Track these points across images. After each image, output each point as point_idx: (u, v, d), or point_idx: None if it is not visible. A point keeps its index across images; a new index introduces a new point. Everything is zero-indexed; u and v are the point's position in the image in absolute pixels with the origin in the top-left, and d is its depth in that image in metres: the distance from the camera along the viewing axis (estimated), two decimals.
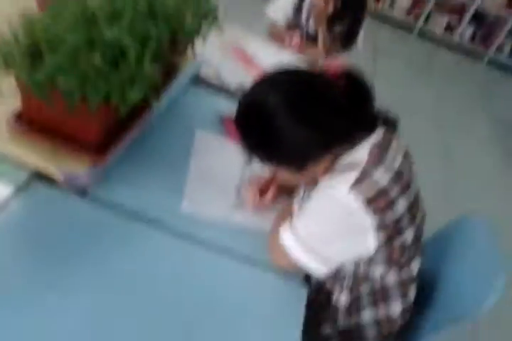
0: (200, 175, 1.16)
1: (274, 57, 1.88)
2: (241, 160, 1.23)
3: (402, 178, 0.94)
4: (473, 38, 4.61)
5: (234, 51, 1.74)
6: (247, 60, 1.73)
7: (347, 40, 2.09)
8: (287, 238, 0.97)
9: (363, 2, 2.07)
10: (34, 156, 0.96)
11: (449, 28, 4.59)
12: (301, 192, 1.08)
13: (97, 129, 0.94)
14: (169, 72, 1.15)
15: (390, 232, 0.95)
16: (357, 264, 1.03)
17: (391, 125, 0.99)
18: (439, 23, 4.60)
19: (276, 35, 2.12)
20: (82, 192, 1.00)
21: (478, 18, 4.49)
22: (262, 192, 1.14)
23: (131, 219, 1.00)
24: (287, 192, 1.19)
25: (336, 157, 0.95)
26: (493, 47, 4.54)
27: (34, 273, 0.83)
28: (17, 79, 0.85)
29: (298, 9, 2.09)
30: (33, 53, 0.81)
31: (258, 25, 2.21)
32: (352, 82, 0.94)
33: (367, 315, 1.12)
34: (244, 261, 1.02)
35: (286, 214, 1.09)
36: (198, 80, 1.49)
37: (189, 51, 1.16)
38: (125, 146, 1.06)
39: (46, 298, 0.80)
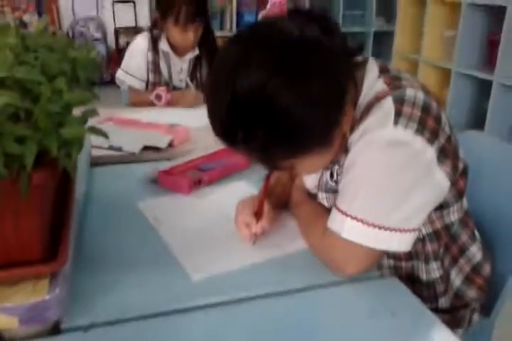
0: (181, 240, 0.89)
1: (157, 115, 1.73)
2: (205, 205, 1.03)
3: (428, 88, 0.79)
4: None
5: (114, 121, 1.52)
6: (130, 122, 1.52)
7: None
8: (349, 228, 0.74)
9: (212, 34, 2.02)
10: None
11: None
12: (318, 178, 0.86)
13: (38, 221, 0.65)
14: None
15: (451, 156, 0.76)
16: (431, 219, 0.83)
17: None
18: None
19: (141, 101, 1.95)
20: (55, 327, 0.69)
21: None
22: (256, 215, 0.89)
23: (145, 326, 0.69)
24: (281, 204, 0.97)
25: (354, 105, 0.76)
26: None
27: None
28: None
29: (155, 70, 1.98)
30: None
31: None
32: (306, 13, 0.73)
33: (455, 277, 0.91)
34: (310, 289, 0.77)
35: (312, 215, 0.86)
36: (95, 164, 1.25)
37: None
38: (71, 242, 0.77)
39: None
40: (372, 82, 0.77)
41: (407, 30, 3.74)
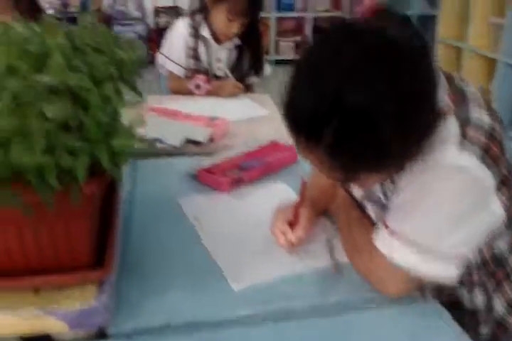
0: (221, 243, 0.89)
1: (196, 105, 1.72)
2: (244, 206, 1.03)
3: (490, 104, 0.74)
4: None
5: (156, 111, 1.52)
6: (172, 113, 1.52)
7: (256, 67, 2.02)
8: (399, 251, 0.72)
9: (258, 28, 1.99)
10: (14, 317, 0.65)
11: None
12: (365, 193, 0.84)
13: (87, 227, 0.66)
14: None
15: (508, 184, 0.73)
16: (479, 247, 0.80)
17: None
18: None
19: (180, 89, 1.94)
20: (100, 331, 0.70)
21: None
22: (292, 223, 0.88)
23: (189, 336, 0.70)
24: (319, 211, 0.96)
25: None
26: None
27: None
28: None
29: (195, 57, 1.95)
30: None
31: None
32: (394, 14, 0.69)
33: (498, 304, 0.87)
34: (348, 309, 0.76)
35: (359, 229, 0.84)
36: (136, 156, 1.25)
37: None
38: (118, 248, 0.77)
39: None
40: (441, 94, 0.71)
41: (451, 15, 3.60)
